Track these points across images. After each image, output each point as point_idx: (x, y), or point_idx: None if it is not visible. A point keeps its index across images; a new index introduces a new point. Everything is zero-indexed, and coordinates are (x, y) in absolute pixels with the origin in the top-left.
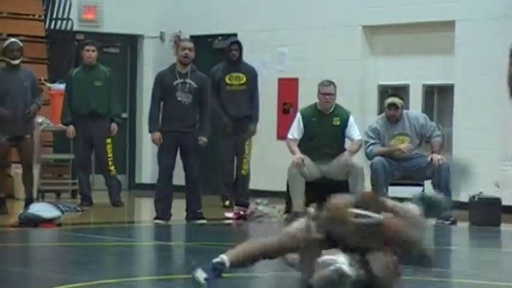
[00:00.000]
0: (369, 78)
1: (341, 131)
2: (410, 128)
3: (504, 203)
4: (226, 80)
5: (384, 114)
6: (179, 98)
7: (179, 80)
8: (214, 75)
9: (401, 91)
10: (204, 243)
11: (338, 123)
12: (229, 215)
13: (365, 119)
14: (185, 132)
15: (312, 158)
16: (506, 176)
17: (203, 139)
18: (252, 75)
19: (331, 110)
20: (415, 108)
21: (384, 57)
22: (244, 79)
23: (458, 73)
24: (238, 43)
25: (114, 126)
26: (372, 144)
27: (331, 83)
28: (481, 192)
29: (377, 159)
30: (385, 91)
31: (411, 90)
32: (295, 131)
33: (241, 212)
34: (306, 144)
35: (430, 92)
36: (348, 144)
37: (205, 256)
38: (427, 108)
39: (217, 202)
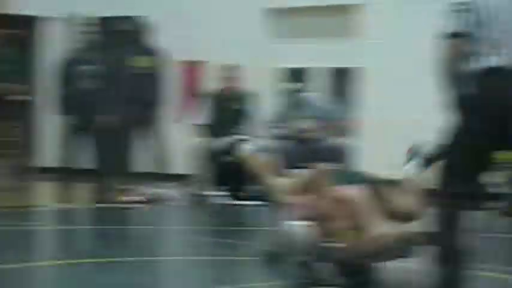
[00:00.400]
0: (277, 62)
1: (247, 113)
2: (315, 110)
3: None
4: (135, 63)
5: (286, 98)
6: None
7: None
8: (123, 58)
9: (306, 74)
10: (110, 227)
11: (243, 105)
12: (132, 198)
13: (272, 103)
14: None
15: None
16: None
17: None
18: (159, 58)
19: (236, 93)
20: (322, 91)
21: (289, 40)
22: (153, 62)
23: (368, 56)
24: (147, 25)
25: None
26: (278, 127)
27: (234, 66)
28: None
29: (284, 142)
30: (291, 74)
31: (317, 73)
32: (201, 116)
33: (145, 196)
34: (213, 130)
35: (337, 75)
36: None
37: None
38: (334, 92)
39: (120, 185)
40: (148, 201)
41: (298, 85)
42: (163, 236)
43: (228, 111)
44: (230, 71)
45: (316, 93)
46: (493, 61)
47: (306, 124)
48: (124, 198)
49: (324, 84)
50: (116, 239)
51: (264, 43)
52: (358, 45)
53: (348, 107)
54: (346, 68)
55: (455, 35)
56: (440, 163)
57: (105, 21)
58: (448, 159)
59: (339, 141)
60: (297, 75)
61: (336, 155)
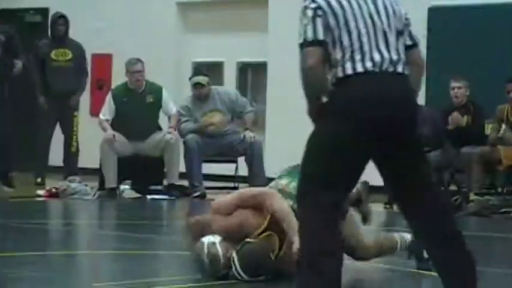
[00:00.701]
0: (184, 55)
1: (156, 108)
2: (221, 104)
3: None
4: (52, 55)
5: (195, 92)
6: None
7: None
8: (39, 50)
9: (215, 68)
10: (20, 221)
11: (152, 100)
12: (41, 192)
13: (180, 96)
14: None
15: (127, 137)
16: None
17: None
18: (79, 51)
19: (143, 87)
20: (229, 85)
21: (198, 34)
22: (71, 55)
23: (271, 51)
24: (64, 18)
25: None
26: (185, 121)
27: (138, 60)
28: None
29: (190, 136)
30: (199, 68)
31: (225, 67)
32: (107, 111)
33: (54, 190)
34: (120, 124)
35: (243, 69)
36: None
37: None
38: (241, 85)
39: (32, 179)
40: (60, 195)
41: (206, 79)
42: (73, 230)
43: (136, 106)
44: (134, 66)
45: (224, 87)
46: (349, 68)
47: (213, 118)
48: (38, 192)
49: (230, 78)
50: (26, 233)
51: (173, 36)
52: (263, 39)
53: (253, 101)
54: (252, 62)
55: (310, 43)
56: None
57: (8, 12)
58: (307, 167)
59: (246, 134)
60: (204, 68)
61: (244, 148)
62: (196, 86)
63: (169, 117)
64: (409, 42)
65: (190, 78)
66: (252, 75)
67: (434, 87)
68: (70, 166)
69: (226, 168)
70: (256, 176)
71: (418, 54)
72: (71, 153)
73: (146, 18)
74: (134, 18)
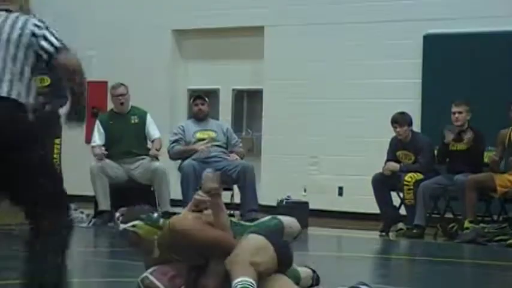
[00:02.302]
0: (179, 83)
1: (141, 129)
2: (216, 126)
3: (311, 206)
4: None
5: (192, 116)
6: None
7: None
8: None
9: (211, 95)
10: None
11: (137, 121)
12: None
13: (175, 123)
14: None
15: (117, 160)
16: (313, 180)
17: None
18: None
19: (128, 110)
20: (225, 111)
21: (193, 61)
22: (49, 81)
23: (267, 78)
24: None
25: None
26: (175, 141)
27: (121, 84)
28: (289, 196)
29: (187, 162)
30: (193, 94)
31: (221, 95)
32: (96, 136)
33: None
34: (108, 147)
35: (239, 96)
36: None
37: None
38: (237, 112)
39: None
40: None
41: (201, 95)
42: (68, 257)
43: (122, 127)
44: (117, 90)
45: (218, 117)
46: None
47: (207, 135)
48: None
49: (226, 105)
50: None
51: (168, 64)
52: (258, 67)
53: (248, 128)
54: (247, 89)
55: None
56: None
57: None
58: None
59: (239, 161)
60: (199, 95)
61: (237, 175)
62: (197, 101)
63: (152, 142)
64: (50, 50)
65: (191, 100)
66: (248, 102)
67: (430, 113)
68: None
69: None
70: (249, 200)
71: (63, 56)
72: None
73: (141, 45)
74: (129, 46)
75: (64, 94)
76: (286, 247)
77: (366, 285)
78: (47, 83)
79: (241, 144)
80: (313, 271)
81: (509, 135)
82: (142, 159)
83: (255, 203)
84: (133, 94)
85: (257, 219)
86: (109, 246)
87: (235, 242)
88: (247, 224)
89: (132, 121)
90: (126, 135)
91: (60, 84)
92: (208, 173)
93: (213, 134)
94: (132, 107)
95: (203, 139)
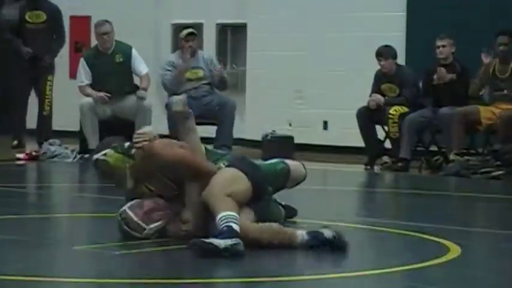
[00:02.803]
0: (163, 17)
1: (126, 68)
2: (203, 62)
3: (296, 141)
4: (27, 17)
5: (178, 50)
6: None
7: None
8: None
9: (195, 29)
10: None
11: (121, 59)
12: (21, 155)
13: (158, 57)
14: None
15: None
16: (298, 114)
17: None
18: (53, 13)
19: (112, 48)
20: (208, 46)
21: None
22: (45, 17)
23: (251, 11)
24: None
25: None
26: (166, 75)
27: (106, 21)
28: (274, 131)
29: (175, 99)
30: (178, 30)
31: (205, 29)
32: (83, 76)
33: (34, 153)
34: (95, 88)
35: (223, 31)
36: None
37: None
38: (221, 47)
39: (9, 142)
40: (40, 158)
41: (193, 31)
42: (53, 193)
43: (107, 67)
44: (103, 28)
45: (204, 49)
46: None
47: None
48: (17, 155)
49: (210, 40)
50: (3, 197)
51: None
52: (242, 0)
53: (233, 63)
54: (231, 23)
55: None
56: None
57: None
58: None
59: (225, 96)
60: (191, 31)
61: (221, 110)
62: (188, 37)
63: (140, 79)
64: None
65: (180, 31)
66: (232, 36)
67: (415, 47)
68: (42, 129)
69: (205, 131)
70: (223, 135)
71: None
72: (43, 116)
73: None
74: None
75: (62, 34)
76: (260, 176)
77: (328, 228)
78: (42, 19)
79: (227, 69)
80: (284, 207)
81: (494, 66)
82: (130, 95)
83: (229, 140)
84: (117, 29)
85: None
86: (94, 182)
87: (206, 163)
88: (224, 152)
89: (117, 60)
90: (112, 76)
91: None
92: (175, 97)
93: (200, 73)
94: (116, 42)
95: (191, 79)
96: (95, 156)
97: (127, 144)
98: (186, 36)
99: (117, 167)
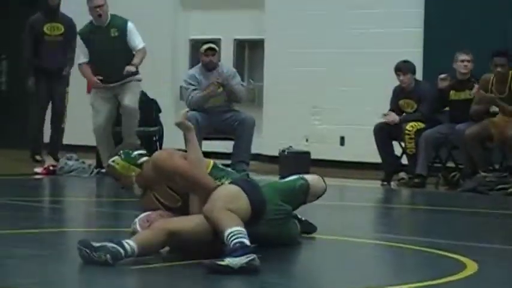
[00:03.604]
0: (181, 33)
1: (123, 42)
2: (225, 78)
3: (313, 156)
4: (45, 30)
5: (199, 64)
6: None
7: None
8: (33, 25)
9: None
10: (11, 199)
11: (116, 34)
12: (39, 170)
13: (176, 74)
14: None
15: (106, 77)
16: (315, 130)
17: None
18: (70, 26)
19: (107, 21)
20: (226, 62)
21: (195, 11)
22: (63, 29)
23: (268, 28)
24: None
25: None
26: (193, 90)
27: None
28: (290, 146)
29: (190, 113)
30: (196, 45)
31: (222, 45)
32: (81, 53)
33: (51, 167)
34: (96, 66)
35: (241, 46)
36: None
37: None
38: (238, 62)
39: (26, 156)
40: (57, 173)
41: (212, 46)
42: (70, 207)
43: (103, 42)
44: (94, 1)
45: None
46: None
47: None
48: (35, 170)
49: (228, 55)
50: (22, 211)
51: (170, 14)
52: (260, 16)
53: (250, 78)
54: (249, 39)
55: None
56: None
57: None
58: None
59: (242, 112)
60: (210, 46)
61: (240, 126)
62: (208, 52)
63: (135, 53)
64: None
65: (201, 46)
66: (249, 52)
67: (432, 63)
68: (58, 143)
69: (224, 146)
70: (241, 151)
71: None
72: (60, 129)
73: None
74: None
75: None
76: (260, 198)
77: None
78: (60, 32)
79: (242, 84)
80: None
81: (492, 82)
82: (129, 81)
83: (247, 156)
84: None
85: (245, 171)
86: (111, 197)
87: (205, 177)
88: (232, 171)
89: (113, 34)
90: (108, 52)
91: (70, 35)
92: (181, 111)
93: (220, 89)
94: (111, 16)
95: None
96: (109, 161)
97: (136, 152)
98: (205, 51)
99: (123, 175)
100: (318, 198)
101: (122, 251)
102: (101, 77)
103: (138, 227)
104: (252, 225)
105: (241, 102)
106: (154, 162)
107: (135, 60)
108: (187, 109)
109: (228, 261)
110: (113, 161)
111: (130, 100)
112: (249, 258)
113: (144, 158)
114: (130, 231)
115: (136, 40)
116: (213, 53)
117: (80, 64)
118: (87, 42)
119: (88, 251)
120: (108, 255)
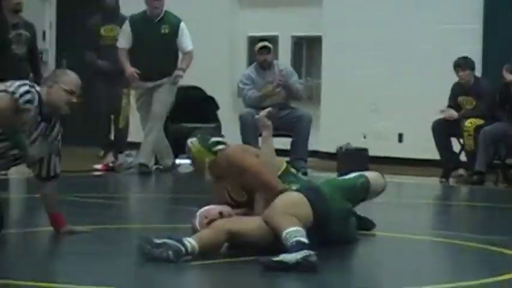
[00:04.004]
0: (238, 30)
1: (171, 41)
2: (281, 76)
3: (371, 153)
4: (102, 32)
5: (255, 63)
6: (16, 51)
7: (13, 32)
8: (91, 27)
9: (270, 42)
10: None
11: (167, 31)
12: (98, 166)
13: (234, 71)
14: None
15: (144, 72)
16: (372, 127)
17: None
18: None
19: (161, 16)
20: (283, 59)
21: (252, 9)
22: (118, 30)
23: (326, 25)
24: None
25: None
26: (249, 90)
27: None
28: (348, 143)
29: (246, 110)
30: (254, 42)
31: (280, 42)
32: (123, 38)
33: (110, 164)
34: (136, 56)
35: (298, 43)
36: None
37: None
38: (296, 59)
39: (91, 153)
40: (116, 169)
41: (266, 44)
42: (128, 204)
43: (151, 35)
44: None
45: (283, 62)
46: None
47: (268, 89)
48: (94, 166)
49: (285, 52)
50: (80, 207)
51: (228, 11)
52: (318, 13)
53: (308, 76)
54: (306, 36)
55: None
56: None
57: None
58: None
59: (299, 109)
60: (265, 45)
61: (297, 123)
62: (262, 51)
63: (183, 56)
64: None
65: (256, 45)
66: (307, 49)
67: (491, 60)
68: (117, 142)
69: (281, 143)
70: (299, 148)
71: None
72: (118, 129)
73: None
74: None
75: None
76: (325, 208)
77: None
78: (116, 33)
79: (300, 81)
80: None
81: None
82: (165, 83)
83: (305, 153)
84: (193, 41)
85: (304, 168)
86: (169, 193)
87: (272, 178)
88: (303, 177)
89: (163, 30)
90: (154, 45)
91: None
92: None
93: (277, 89)
94: (166, 12)
95: (268, 95)
96: (188, 139)
97: (213, 139)
98: (260, 50)
99: (196, 158)
100: (378, 195)
101: (182, 248)
102: (138, 71)
103: (196, 223)
104: (313, 233)
105: (301, 100)
106: (228, 155)
107: (184, 65)
108: (270, 108)
109: (283, 256)
110: (191, 142)
111: (159, 107)
112: (305, 254)
113: (220, 146)
114: (190, 227)
115: (187, 41)
116: (268, 51)
117: (120, 49)
118: (135, 31)
119: (150, 247)
120: (170, 252)
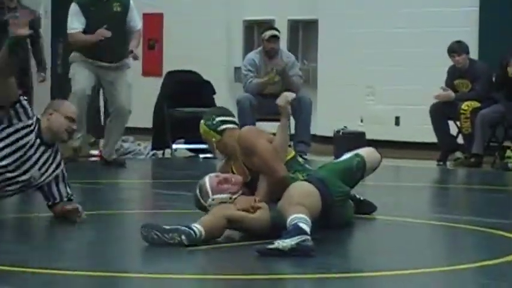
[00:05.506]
0: (234, 14)
1: (123, 19)
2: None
3: (368, 137)
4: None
5: (261, 47)
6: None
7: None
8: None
9: (266, 26)
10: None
11: (119, 9)
12: (95, 152)
13: (230, 55)
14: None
15: (100, 55)
16: (369, 110)
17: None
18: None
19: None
20: (280, 43)
21: None
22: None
23: (322, 8)
24: None
25: None
26: (252, 77)
27: None
28: (345, 127)
29: (244, 95)
30: (250, 26)
31: (276, 26)
32: (74, 21)
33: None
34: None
35: (294, 27)
36: None
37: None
38: (292, 43)
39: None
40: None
41: (276, 33)
42: (125, 189)
43: (103, 15)
44: None
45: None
46: None
47: (276, 77)
48: (91, 152)
49: (281, 36)
50: (77, 193)
51: None
52: None
53: (304, 59)
54: (303, 19)
55: None
56: None
57: None
58: None
59: (300, 92)
60: (274, 34)
61: (299, 106)
62: (271, 39)
63: (133, 35)
64: None
65: (262, 33)
66: (303, 32)
67: (487, 42)
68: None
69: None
70: (302, 131)
71: None
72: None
73: None
74: None
75: None
76: (330, 197)
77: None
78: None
79: (300, 75)
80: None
81: None
82: (122, 67)
83: (307, 136)
84: (189, 25)
85: (304, 153)
86: (167, 178)
87: (279, 163)
88: (309, 167)
89: (115, 9)
90: (107, 26)
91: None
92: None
93: (277, 78)
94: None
95: (271, 84)
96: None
97: (218, 119)
98: (269, 38)
99: (205, 138)
100: (374, 170)
101: (193, 233)
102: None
103: (206, 181)
104: (315, 221)
105: (298, 92)
106: (240, 135)
107: (134, 43)
108: (294, 95)
109: (278, 243)
110: (201, 122)
111: (126, 99)
112: (300, 239)
113: (225, 126)
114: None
115: (137, 19)
116: (276, 40)
117: (72, 33)
118: (86, 13)
119: (159, 233)
120: (183, 236)
